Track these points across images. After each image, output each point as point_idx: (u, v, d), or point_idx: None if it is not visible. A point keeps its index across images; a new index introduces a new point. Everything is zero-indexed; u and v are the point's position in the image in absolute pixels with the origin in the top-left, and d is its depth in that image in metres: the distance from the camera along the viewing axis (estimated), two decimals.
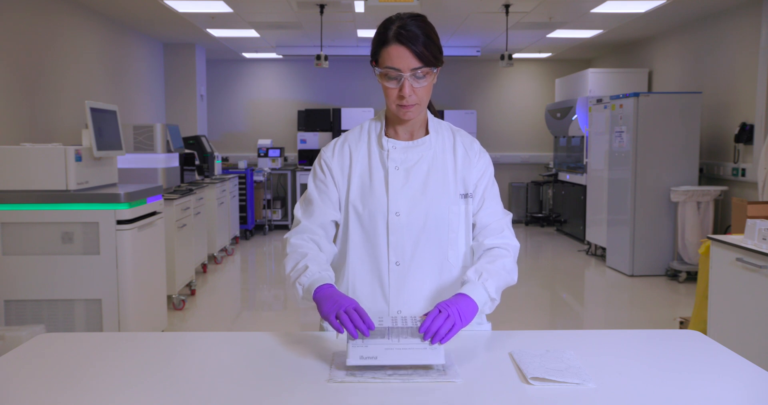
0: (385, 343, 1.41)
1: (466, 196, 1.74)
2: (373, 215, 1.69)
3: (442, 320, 1.45)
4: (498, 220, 1.75)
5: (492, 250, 1.71)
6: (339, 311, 1.46)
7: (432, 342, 1.42)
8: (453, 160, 1.75)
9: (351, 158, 1.74)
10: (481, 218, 1.75)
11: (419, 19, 1.63)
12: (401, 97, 1.62)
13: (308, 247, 1.67)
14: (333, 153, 1.76)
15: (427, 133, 1.76)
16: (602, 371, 1.43)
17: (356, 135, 1.78)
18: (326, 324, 1.79)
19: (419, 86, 1.62)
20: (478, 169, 1.76)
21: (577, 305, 5.67)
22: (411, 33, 1.59)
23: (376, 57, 1.65)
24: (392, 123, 1.75)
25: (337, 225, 1.76)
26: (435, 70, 1.64)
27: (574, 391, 1.32)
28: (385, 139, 1.74)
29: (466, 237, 1.75)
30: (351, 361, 1.38)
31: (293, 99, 9.90)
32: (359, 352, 1.39)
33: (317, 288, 1.56)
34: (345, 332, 1.45)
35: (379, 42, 1.63)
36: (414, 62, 1.59)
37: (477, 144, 1.80)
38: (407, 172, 1.71)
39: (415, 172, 1.71)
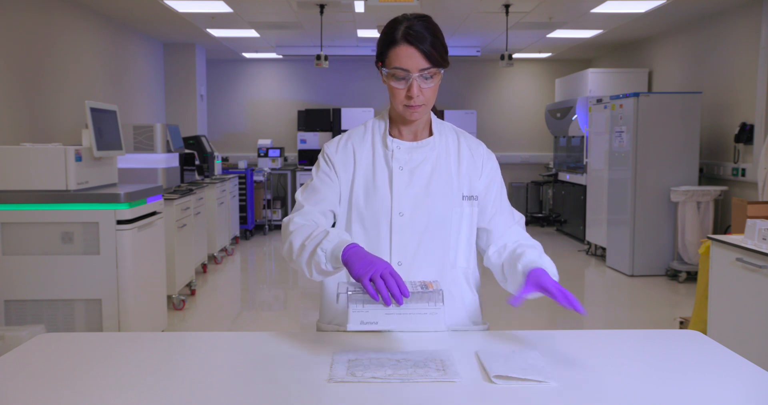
0: (386, 309, 1.38)
1: (470, 198, 1.73)
2: (376, 215, 1.69)
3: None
4: (514, 225, 1.78)
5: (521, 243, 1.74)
6: (375, 275, 1.39)
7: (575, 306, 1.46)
8: (457, 162, 1.74)
9: (354, 157, 1.74)
10: (497, 224, 1.76)
11: (426, 20, 1.63)
12: (409, 97, 1.62)
13: (315, 225, 1.62)
14: (336, 149, 1.76)
15: (430, 134, 1.76)
16: (602, 371, 1.43)
17: (360, 134, 1.78)
18: (325, 324, 1.78)
19: (427, 87, 1.63)
20: (487, 173, 1.76)
21: None
22: (419, 33, 1.59)
23: (383, 58, 1.64)
24: (396, 123, 1.74)
25: (334, 217, 1.74)
26: (441, 71, 1.64)
27: (573, 390, 1.32)
28: (389, 139, 1.73)
29: (468, 239, 1.75)
30: (351, 326, 1.37)
31: (293, 99, 9.90)
32: (360, 317, 1.37)
33: (345, 248, 1.48)
34: (346, 295, 1.42)
35: (387, 42, 1.63)
36: (422, 62, 1.60)
37: (483, 147, 1.80)
38: (411, 172, 1.71)
39: (419, 173, 1.71)
